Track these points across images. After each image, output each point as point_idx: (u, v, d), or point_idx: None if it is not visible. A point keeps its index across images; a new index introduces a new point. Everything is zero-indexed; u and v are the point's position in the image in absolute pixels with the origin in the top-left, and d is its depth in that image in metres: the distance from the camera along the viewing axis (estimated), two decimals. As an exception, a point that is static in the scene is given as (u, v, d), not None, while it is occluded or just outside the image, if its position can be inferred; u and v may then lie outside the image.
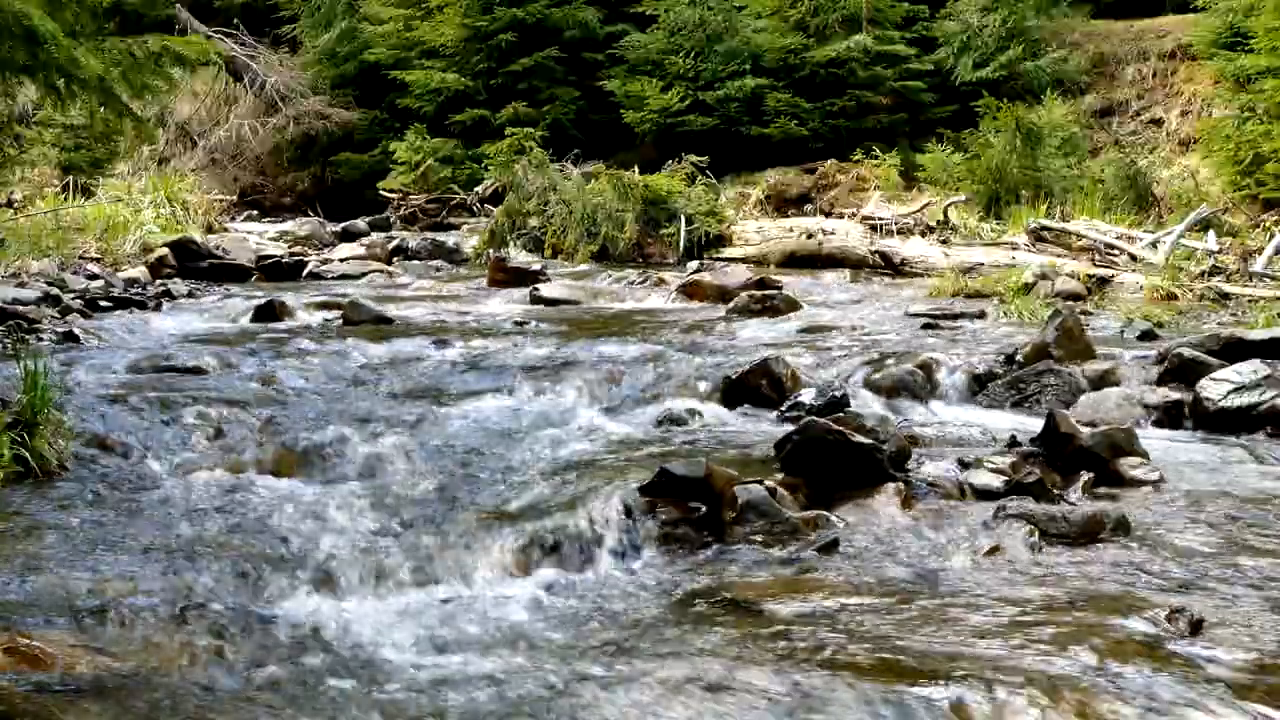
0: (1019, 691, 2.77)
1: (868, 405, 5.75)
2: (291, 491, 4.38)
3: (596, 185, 12.82)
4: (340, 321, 8.21)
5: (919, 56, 17.05)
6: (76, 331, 7.25)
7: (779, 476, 4.32)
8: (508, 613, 3.44)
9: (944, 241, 11.92)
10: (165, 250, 11.19)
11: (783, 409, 5.60)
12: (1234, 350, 5.98)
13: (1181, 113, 16.21)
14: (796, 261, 11.94)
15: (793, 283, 9.94)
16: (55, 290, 8.70)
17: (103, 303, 8.81)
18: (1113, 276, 9.94)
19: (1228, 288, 9.16)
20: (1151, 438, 5.11)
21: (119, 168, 15.82)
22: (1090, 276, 9.81)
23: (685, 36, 17.52)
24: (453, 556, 3.79)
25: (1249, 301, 8.68)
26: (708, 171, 13.74)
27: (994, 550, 3.82)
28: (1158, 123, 16.40)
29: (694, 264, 11.49)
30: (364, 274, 11.72)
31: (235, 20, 20.63)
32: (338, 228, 15.81)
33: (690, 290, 9.68)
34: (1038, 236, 11.26)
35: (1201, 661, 2.97)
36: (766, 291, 8.98)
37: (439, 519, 4.06)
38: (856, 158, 15.51)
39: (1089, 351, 6.45)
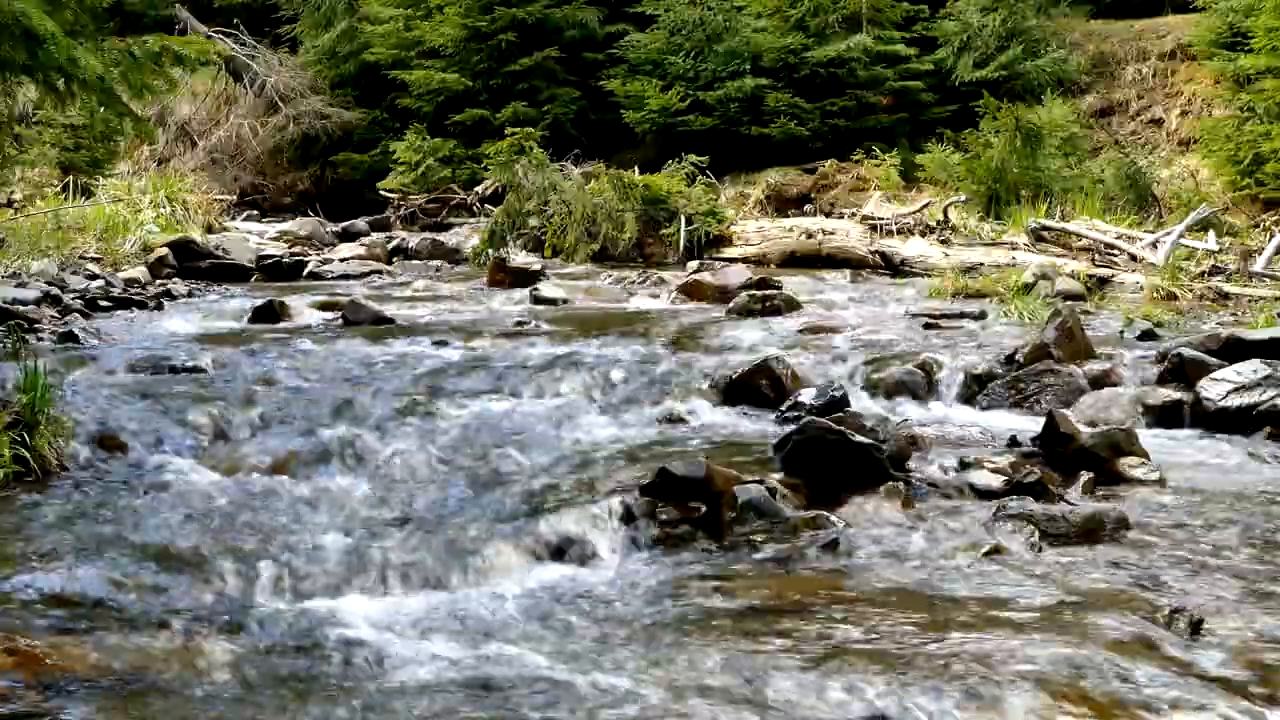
0: (1019, 691, 2.77)
1: (868, 405, 5.76)
2: (291, 491, 4.38)
3: (596, 185, 12.80)
4: (340, 321, 8.21)
5: (919, 56, 17.01)
6: (76, 331, 7.25)
7: (779, 476, 4.32)
8: (508, 612, 3.44)
9: (944, 241, 11.91)
10: (165, 250, 11.17)
11: (783, 409, 5.60)
12: (1234, 350, 5.97)
13: (1181, 113, 16.19)
14: (796, 261, 11.92)
15: (793, 283, 9.94)
16: (55, 290, 8.69)
17: (103, 303, 8.80)
18: (1113, 276, 9.94)
19: (1228, 288, 9.15)
20: (1151, 438, 5.11)
21: (119, 168, 15.78)
22: (1090, 276, 9.80)
23: (685, 36, 17.49)
24: (453, 556, 3.79)
25: (1249, 301, 8.67)
26: (708, 171, 13.71)
27: (994, 550, 3.82)
28: (1158, 123, 16.38)
29: (694, 264, 11.47)
30: (364, 274, 11.70)
31: (235, 20, 20.59)
32: (338, 228, 15.78)
33: (690, 290, 9.67)
34: (1038, 236, 11.25)
35: (1201, 661, 2.97)
36: (766, 291, 8.97)
37: (439, 519, 4.06)
38: (856, 158, 15.48)
39: (1089, 351, 6.45)
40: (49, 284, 8.89)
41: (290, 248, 13.26)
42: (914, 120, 16.97)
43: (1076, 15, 18.33)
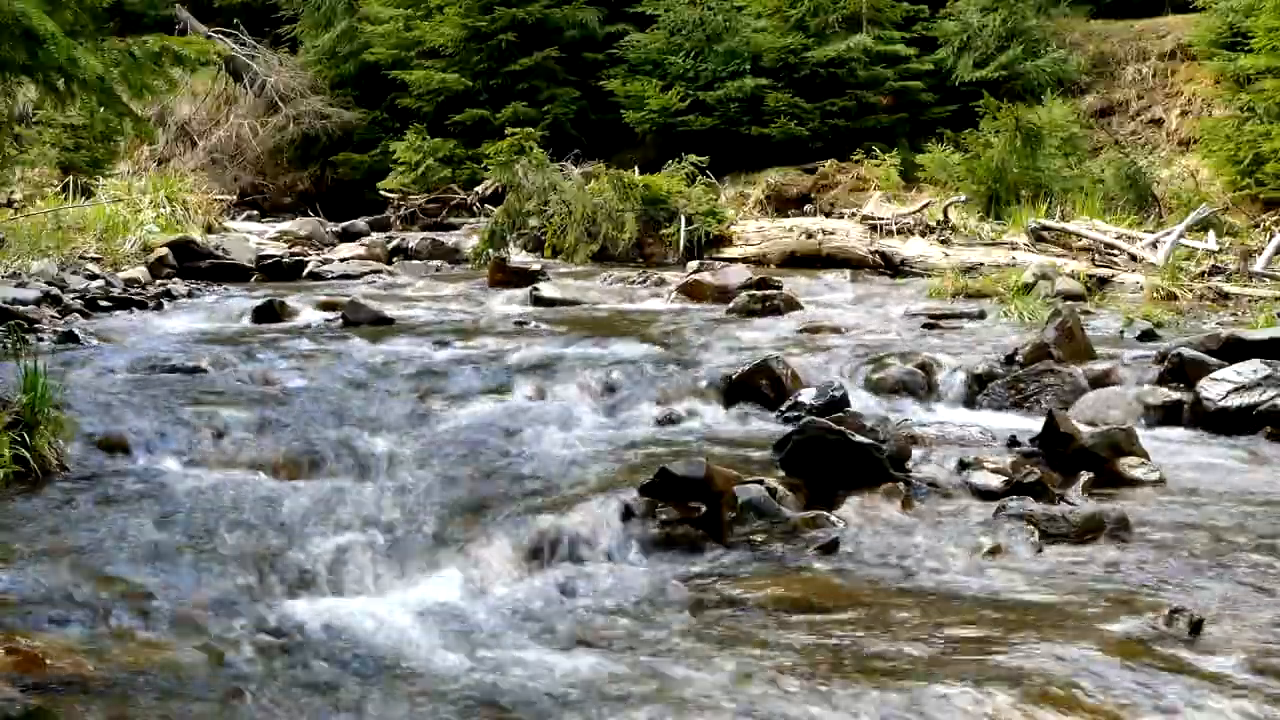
0: (1019, 692, 2.77)
1: (868, 405, 5.75)
2: (291, 491, 4.38)
3: (596, 185, 12.79)
4: (340, 321, 8.21)
5: (919, 56, 17.02)
6: (76, 331, 7.24)
7: (779, 476, 4.32)
8: (507, 613, 3.44)
9: (944, 241, 11.91)
10: (165, 250, 11.16)
11: (783, 409, 5.60)
12: (1234, 350, 5.97)
13: (1181, 113, 16.20)
14: (796, 261, 11.92)
15: (793, 283, 9.94)
16: (55, 290, 8.69)
17: (103, 303, 8.80)
18: (1113, 276, 9.94)
19: (1228, 288, 9.16)
20: (1151, 438, 5.11)
21: (119, 168, 15.77)
22: (1090, 276, 9.81)
23: (685, 36, 17.50)
24: (453, 557, 3.79)
25: (1249, 301, 8.68)
26: (708, 171, 13.71)
27: (994, 550, 3.82)
28: (1158, 123, 16.39)
29: (694, 264, 11.46)
30: (364, 274, 11.69)
31: (235, 20, 20.59)
32: (338, 228, 15.77)
33: (690, 290, 9.68)
34: (1038, 236, 11.25)
35: (1201, 662, 2.97)
36: (766, 291, 8.97)
37: (439, 520, 4.06)
38: (856, 158, 15.48)
39: (1089, 351, 6.45)
40: (49, 284, 8.89)
41: (290, 248, 13.25)
42: (914, 120, 16.97)
43: (1076, 15, 18.33)
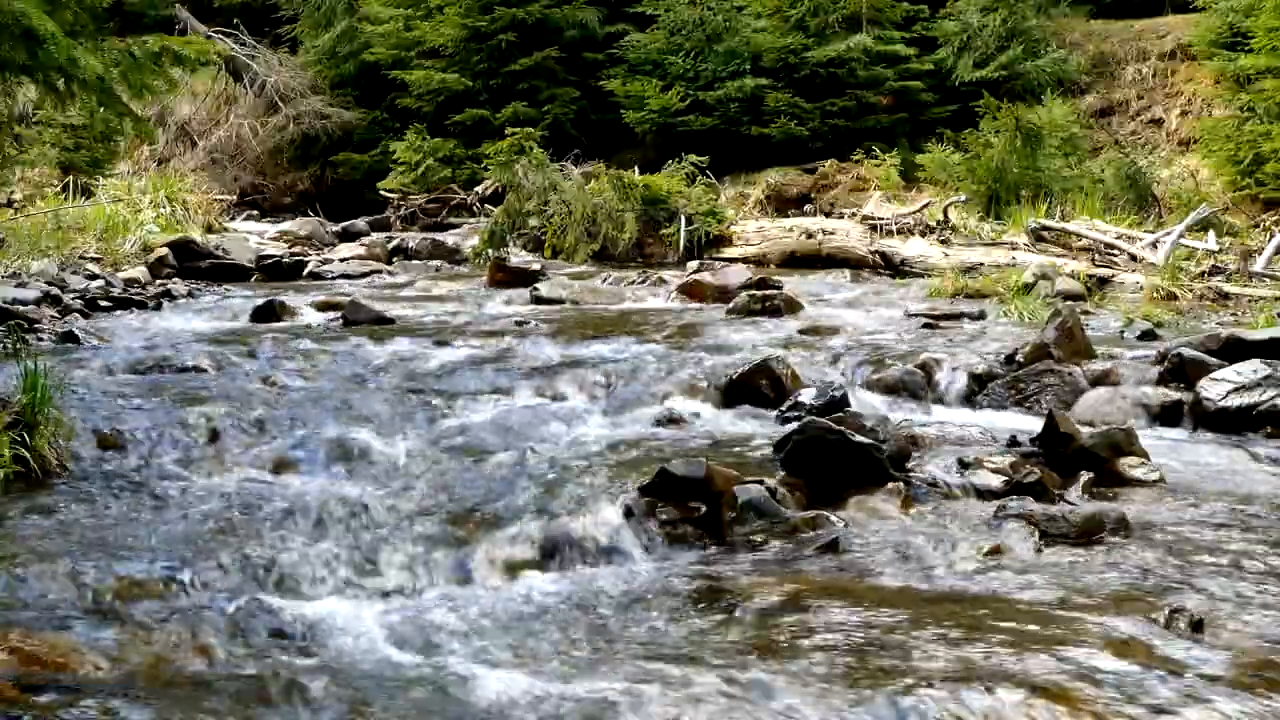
0: (1019, 692, 2.77)
1: (868, 405, 5.75)
2: (291, 491, 4.38)
3: (596, 185, 12.79)
4: (340, 321, 8.21)
5: (919, 56, 17.03)
6: (76, 331, 7.24)
7: (779, 476, 4.32)
8: (508, 613, 3.44)
9: (944, 241, 11.91)
10: (165, 250, 11.17)
11: (783, 409, 5.60)
12: (1234, 350, 5.97)
13: (1181, 113, 16.20)
14: (796, 261, 11.92)
15: (793, 283, 9.94)
16: (55, 290, 8.69)
17: (103, 303, 8.80)
18: (1113, 276, 9.94)
19: (1228, 288, 9.16)
20: (1151, 438, 5.11)
21: (119, 168, 15.77)
22: (1090, 276, 9.81)
23: (685, 36, 17.51)
24: (452, 557, 3.79)
25: (1249, 301, 8.68)
26: (708, 171, 13.72)
27: (994, 550, 3.82)
28: (1158, 123, 16.39)
29: (694, 264, 11.47)
30: (364, 274, 11.70)
31: (235, 20, 20.60)
32: (338, 228, 15.77)
33: (690, 290, 9.68)
34: (1038, 236, 11.25)
35: (1202, 662, 2.97)
36: (766, 291, 8.97)
37: (438, 519, 4.06)
38: (856, 158, 15.49)
39: (1089, 351, 6.45)
40: (49, 284, 8.89)
41: (290, 248, 13.26)
42: (914, 120, 16.97)
43: (1076, 15, 18.34)
